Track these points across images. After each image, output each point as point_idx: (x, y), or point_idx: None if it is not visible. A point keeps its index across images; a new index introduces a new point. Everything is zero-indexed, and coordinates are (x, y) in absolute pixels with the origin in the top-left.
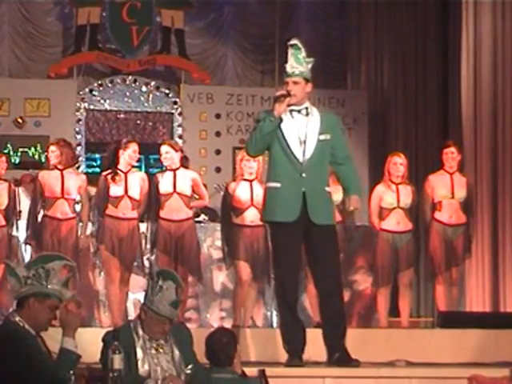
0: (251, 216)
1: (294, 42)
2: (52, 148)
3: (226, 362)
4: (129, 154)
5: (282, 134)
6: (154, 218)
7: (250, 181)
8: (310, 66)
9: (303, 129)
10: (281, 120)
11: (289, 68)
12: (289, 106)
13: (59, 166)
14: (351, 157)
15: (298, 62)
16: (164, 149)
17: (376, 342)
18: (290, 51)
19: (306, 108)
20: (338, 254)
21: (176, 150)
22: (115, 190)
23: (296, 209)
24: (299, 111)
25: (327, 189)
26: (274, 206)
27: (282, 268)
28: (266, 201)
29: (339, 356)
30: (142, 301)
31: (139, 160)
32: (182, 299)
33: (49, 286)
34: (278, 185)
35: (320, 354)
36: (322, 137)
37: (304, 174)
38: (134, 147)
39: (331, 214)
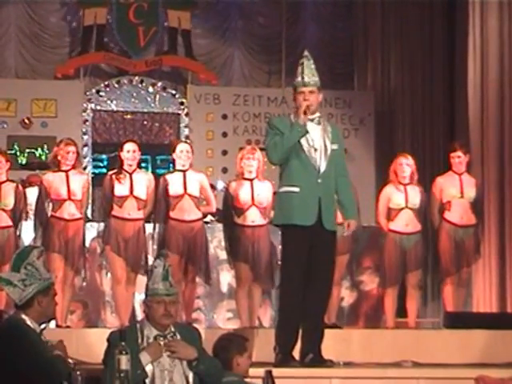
0: (252, 216)
1: (306, 53)
2: (72, 148)
3: (225, 367)
4: (123, 155)
5: (299, 142)
6: (163, 218)
7: (251, 180)
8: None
9: (317, 137)
10: (307, 130)
11: (306, 78)
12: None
13: (65, 168)
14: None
15: (311, 72)
16: (185, 147)
17: (383, 342)
18: (304, 62)
19: (319, 117)
20: (335, 260)
21: (192, 152)
22: (120, 190)
23: (313, 213)
24: (312, 120)
25: (335, 196)
26: (291, 210)
27: (292, 270)
28: (280, 204)
29: (312, 357)
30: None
31: (142, 161)
32: (172, 273)
33: (44, 277)
34: (297, 189)
35: (327, 355)
36: (333, 146)
37: (320, 180)
38: (127, 147)
39: (335, 221)
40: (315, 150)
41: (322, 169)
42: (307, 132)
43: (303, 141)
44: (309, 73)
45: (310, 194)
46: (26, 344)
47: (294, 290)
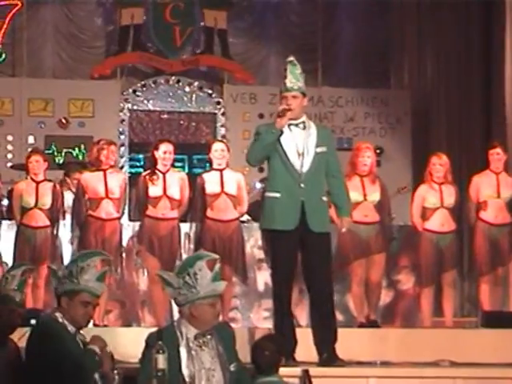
0: None
1: (291, 58)
2: (115, 148)
3: (270, 371)
4: (159, 155)
5: (282, 147)
6: (199, 218)
7: None
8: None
9: (301, 142)
10: (281, 132)
11: (288, 83)
12: (288, 119)
13: (104, 167)
14: (341, 170)
15: (295, 78)
16: (220, 146)
17: (420, 341)
18: (288, 67)
19: (303, 122)
20: (331, 259)
21: (228, 150)
22: (154, 190)
23: (295, 217)
24: (297, 125)
25: (324, 198)
26: (273, 215)
27: (279, 274)
28: (264, 209)
29: (326, 357)
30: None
31: (178, 160)
32: (220, 272)
33: (80, 282)
34: (278, 195)
35: (364, 354)
36: (319, 149)
37: (302, 185)
38: (163, 148)
39: (327, 222)
40: (298, 154)
41: (305, 173)
42: (281, 134)
43: (286, 146)
44: (292, 78)
45: (291, 198)
46: (51, 340)
47: (283, 293)
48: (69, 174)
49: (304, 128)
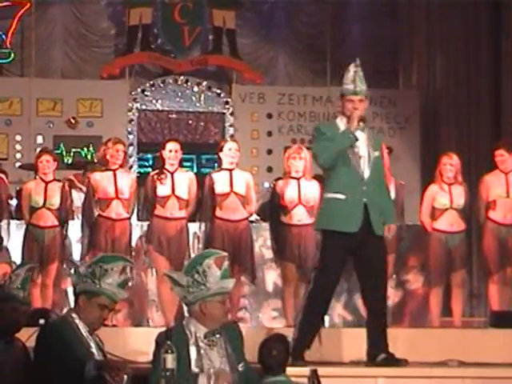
0: (299, 215)
1: (358, 62)
2: (121, 147)
3: (278, 371)
4: (166, 154)
5: (345, 149)
6: (208, 217)
7: (298, 179)
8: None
9: (363, 145)
10: (357, 138)
11: (357, 87)
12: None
13: (113, 167)
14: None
15: (361, 81)
16: (234, 145)
17: (428, 341)
18: (357, 71)
19: (363, 125)
20: (387, 261)
21: (239, 150)
22: (162, 189)
23: (358, 220)
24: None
25: None
26: (334, 216)
27: (328, 275)
28: (324, 210)
29: (385, 357)
30: (192, 301)
31: (187, 160)
32: (229, 269)
33: (101, 285)
34: (342, 196)
35: None
36: (376, 153)
37: (364, 187)
38: (170, 147)
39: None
40: (360, 157)
41: (367, 176)
42: (357, 139)
43: (349, 148)
44: (359, 81)
45: (356, 201)
46: (58, 342)
47: (325, 295)
48: (86, 173)
49: (363, 130)
